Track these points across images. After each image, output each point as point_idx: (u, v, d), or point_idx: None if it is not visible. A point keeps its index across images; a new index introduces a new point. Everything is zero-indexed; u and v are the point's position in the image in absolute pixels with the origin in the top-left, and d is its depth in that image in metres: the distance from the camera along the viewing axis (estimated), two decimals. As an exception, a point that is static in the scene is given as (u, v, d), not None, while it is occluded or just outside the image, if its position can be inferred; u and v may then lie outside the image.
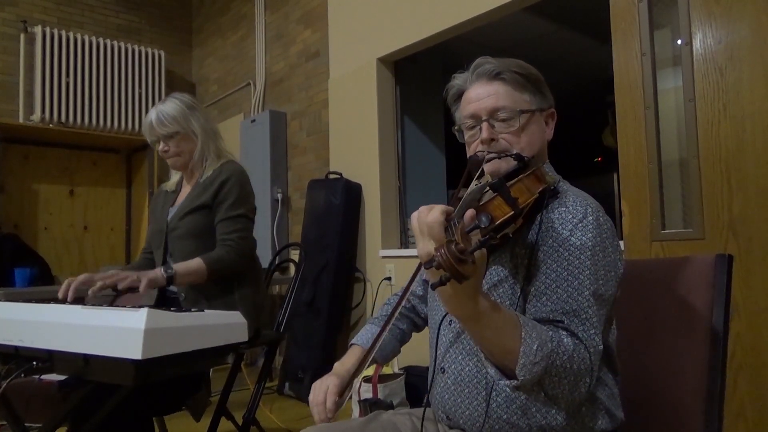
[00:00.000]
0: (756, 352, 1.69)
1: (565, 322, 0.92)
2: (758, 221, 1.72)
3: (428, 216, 0.78)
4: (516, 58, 1.13)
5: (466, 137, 1.14)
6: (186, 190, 2.01)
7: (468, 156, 1.10)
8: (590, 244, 0.96)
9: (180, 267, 1.73)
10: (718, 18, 1.82)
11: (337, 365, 1.20)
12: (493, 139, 1.07)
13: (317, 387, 1.14)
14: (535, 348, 0.84)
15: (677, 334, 1.16)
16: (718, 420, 1.06)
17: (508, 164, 1.03)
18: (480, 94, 1.09)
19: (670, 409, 1.14)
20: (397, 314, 1.11)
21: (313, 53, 4.25)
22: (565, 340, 0.89)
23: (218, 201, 1.87)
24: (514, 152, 1.04)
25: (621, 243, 2.00)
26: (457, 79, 1.16)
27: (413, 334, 1.36)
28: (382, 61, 3.71)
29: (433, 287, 0.73)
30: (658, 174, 1.96)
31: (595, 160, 7.36)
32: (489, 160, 1.05)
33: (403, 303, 1.36)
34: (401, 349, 1.32)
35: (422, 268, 0.96)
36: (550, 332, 0.88)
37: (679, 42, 1.92)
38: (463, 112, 1.14)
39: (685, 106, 1.89)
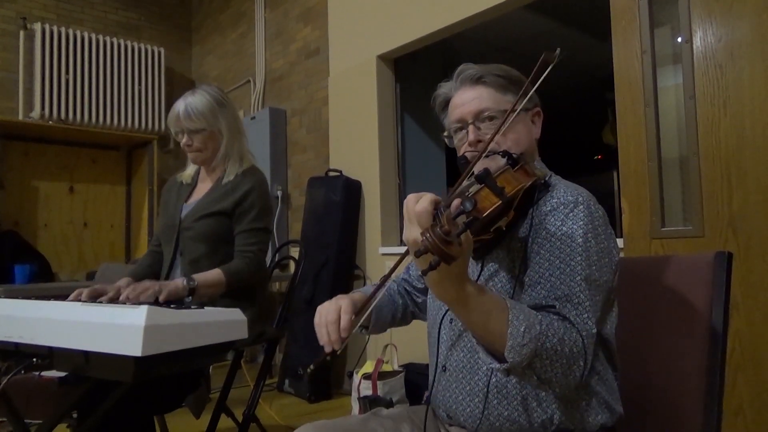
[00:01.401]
0: (755, 350, 1.70)
1: (557, 306, 0.93)
2: (758, 219, 1.72)
3: (417, 205, 0.79)
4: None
5: (455, 142, 1.18)
6: (203, 187, 1.97)
7: (458, 158, 1.12)
8: (581, 231, 0.98)
9: (201, 279, 1.70)
10: (718, 16, 1.82)
11: (341, 296, 1.11)
12: (479, 141, 1.10)
13: (326, 308, 1.04)
14: (522, 330, 0.84)
15: (677, 331, 1.16)
16: (716, 417, 1.06)
17: (497, 163, 1.04)
18: (464, 99, 1.13)
19: (669, 405, 1.14)
20: (392, 279, 1.06)
21: (313, 50, 4.24)
22: (556, 323, 0.89)
23: (240, 211, 1.84)
24: (501, 150, 1.05)
25: (620, 241, 2.02)
26: (443, 88, 1.21)
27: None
28: (382, 58, 3.71)
29: (424, 273, 0.74)
30: (658, 172, 1.96)
31: (595, 157, 7.36)
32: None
33: (399, 280, 1.35)
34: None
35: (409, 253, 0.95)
36: (540, 316, 0.89)
37: (679, 39, 1.92)
38: (450, 117, 1.18)
39: (685, 104, 1.89)
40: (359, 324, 1.02)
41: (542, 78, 0.96)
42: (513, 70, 1.15)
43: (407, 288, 1.35)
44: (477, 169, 1.04)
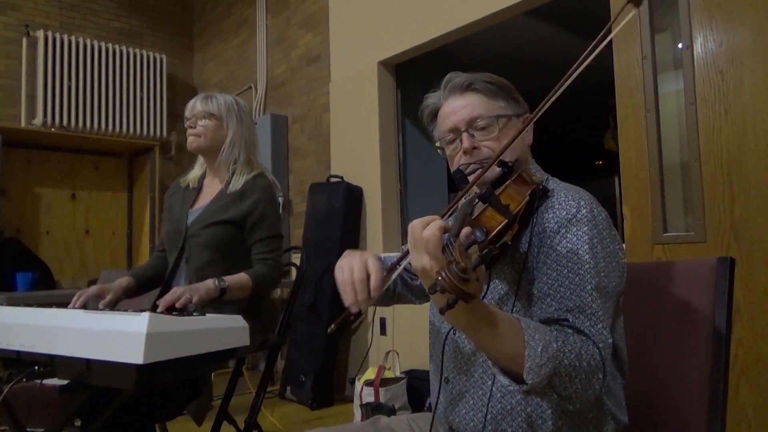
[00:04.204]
0: (758, 356, 1.69)
1: (571, 319, 0.90)
2: (760, 224, 1.71)
3: (424, 231, 0.76)
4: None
5: (447, 152, 1.15)
6: (209, 192, 1.96)
7: (452, 172, 1.10)
8: (587, 237, 0.95)
9: (231, 280, 1.70)
10: (719, 21, 1.82)
11: (360, 251, 1.01)
12: (474, 148, 1.08)
13: (349, 263, 0.94)
14: (539, 350, 0.82)
15: (679, 337, 1.16)
16: (720, 423, 1.06)
17: (492, 173, 1.02)
18: (455, 107, 1.11)
19: (672, 412, 1.13)
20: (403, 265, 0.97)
21: (314, 57, 4.25)
22: (572, 338, 0.87)
23: (252, 221, 1.84)
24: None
25: (623, 246, 2.01)
26: (430, 98, 1.18)
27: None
28: (383, 64, 3.72)
29: (442, 312, 0.71)
30: (659, 177, 1.95)
31: (596, 163, 7.35)
32: (473, 172, 1.05)
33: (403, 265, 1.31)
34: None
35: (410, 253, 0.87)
36: (555, 332, 0.87)
37: (680, 45, 1.92)
38: (441, 128, 1.15)
39: (686, 110, 1.89)
40: (389, 283, 0.93)
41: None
42: (500, 77, 1.14)
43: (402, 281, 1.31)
44: (472, 180, 1.03)
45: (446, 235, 0.78)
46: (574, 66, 0.90)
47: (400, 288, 1.31)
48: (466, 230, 0.78)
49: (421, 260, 0.77)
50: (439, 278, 0.68)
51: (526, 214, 0.99)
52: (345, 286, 0.93)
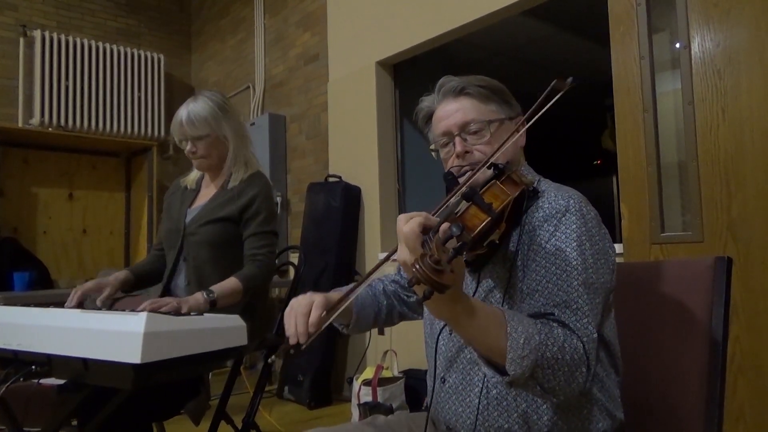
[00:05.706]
0: (755, 355, 1.69)
1: (556, 313, 0.92)
2: (757, 224, 1.72)
3: (405, 226, 0.79)
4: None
5: (442, 155, 1.18)
6: (207, 192, 1.96)
7: (443, 175, 1.12)
8: (575, 235, 0.97)
9: (219, 290, 1.68)
10: (716, 21, 1.83)
11: (317, 292, 1.10)
12: (467, 152, 1.10)
13: (298, 300, 1.04)
14: (521, 342, 0.84)
15: (677, 336, 1.16)
16: (717, 422, 1.06)
17: (483, 175, 1.03)
18: (448, 111, 1.13)
19: (669, 411, 1.14)
20: (376, 278, 1.05)
21: (312, 56, 4.25)
22: (556, 331, 0.89)
23: (248, 216, 1.83)
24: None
25: (620, 246, 2.02)
26: (425, 102, 1.20)
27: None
28: (381, 64, 3.72)
29: (419, 302, 0.74)
30: (657, 177, 1.96)
31: (595, 163, 7.37)
32: (463, 174, 1.07)
33: (388, 280, 1.33)
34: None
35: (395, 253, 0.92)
36: (539, 325, 0.88)
37: (677, 45, 1.92)
38: (435, 131, 1.17)
39: (683, 109, 1.90)
40: (329, 321, 1.02)
41: (550, 104, 0.96)
42: (494, 80, 1.15)
43: (397, 288, 1.32)
44: (463, 181, 1.04)
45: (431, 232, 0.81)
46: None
47: (399, 308, 1.32)
48: (444, 225, 0.80)
49: (402, 253, 0.80)
50: (414, 269, 0.72)
51: (515, 213, 1.00)
52: (287, 319, 1.02)
